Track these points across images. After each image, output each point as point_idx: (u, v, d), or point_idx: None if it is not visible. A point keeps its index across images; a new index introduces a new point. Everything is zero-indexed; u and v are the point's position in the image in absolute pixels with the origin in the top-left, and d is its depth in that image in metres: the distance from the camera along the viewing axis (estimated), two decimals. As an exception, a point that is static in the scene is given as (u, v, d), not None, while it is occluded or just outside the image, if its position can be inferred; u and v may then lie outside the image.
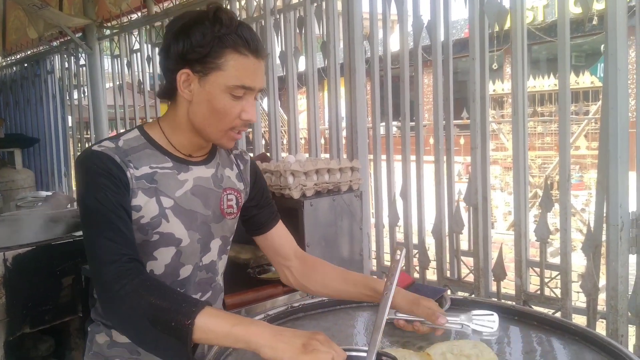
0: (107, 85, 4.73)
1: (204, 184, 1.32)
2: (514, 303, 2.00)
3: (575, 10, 7.14)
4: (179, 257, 1.29)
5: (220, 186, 1.36)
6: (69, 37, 4.60)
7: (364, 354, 1.08)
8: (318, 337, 1.01)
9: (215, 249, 1.38)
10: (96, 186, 1.15)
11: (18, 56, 5.91)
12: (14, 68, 6.04)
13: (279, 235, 1.49)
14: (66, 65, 5.02)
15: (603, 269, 1.88)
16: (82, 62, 4.76)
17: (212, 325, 1.02)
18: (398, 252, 1.22)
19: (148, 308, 1.04)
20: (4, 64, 6.30)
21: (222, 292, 1.49)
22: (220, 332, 1.02)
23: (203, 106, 1.21)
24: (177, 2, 3.68)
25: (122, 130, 1.34)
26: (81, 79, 4.86)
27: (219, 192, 1.35)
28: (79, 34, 4.58)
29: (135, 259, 1.13)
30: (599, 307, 1.87)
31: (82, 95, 4.90)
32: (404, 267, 2.49)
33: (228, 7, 3.24)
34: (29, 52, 5.65)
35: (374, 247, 2.69)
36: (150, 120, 1.44)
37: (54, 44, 5.11)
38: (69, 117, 5.27)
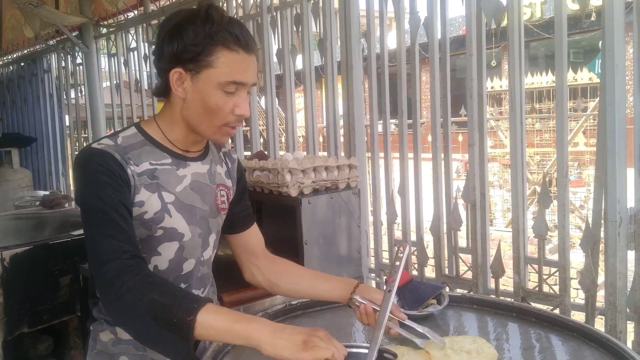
0: (104, 84, 4.71)
1: (201, 179, 1.34)
2: (512, 300, 2.01)
3: (572, 6, 7.16)
4: (182, 251, 1.31)
5: (214, 182, 1.38)
6: (65, 36, 4.58)
7: (365, 351, 1.08)
8: (318, 333, 1.02)
9: (212, 243, 1.40)
10: (97, 184, 1.16)
11: (15, 55, 5.89)
12: (11, 67, 6.03)
13: (253, 235, 1.52)
14: (63, 64, 5.01)
15: (602, 265, 1.88)
16: (78, 60, 4.74)
17: (213, 321, 1.04)
18: (400, 249, 1.22)
19: (150, 304, 1.05)
20: (1, 63, 6.28)
21: (214, 286, 1.51)
22: (221, 328, 1.03)
23: (196, 103, 1.22)
24: (174, 0, 3.66)
25: (119, 129, 1.35)
26: (78, 77, 4.85)
27: (213, 188, 1.37)
28: (76, 33, 4.56)
29: (136, 256, 1.14)
30: (598, 304, 1.87)
31: (80, 94, 4.89)
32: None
33: (225, 5, 3.23)
34: (25, 51, 5.63)
35: (372, 244, 2.69)
36: (147, 118, 1.45)
37: (51, 42, 5.09)
38: (66, 116, 5.25)
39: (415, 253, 2.45)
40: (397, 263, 1.18)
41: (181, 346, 1.04)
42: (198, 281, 1.38)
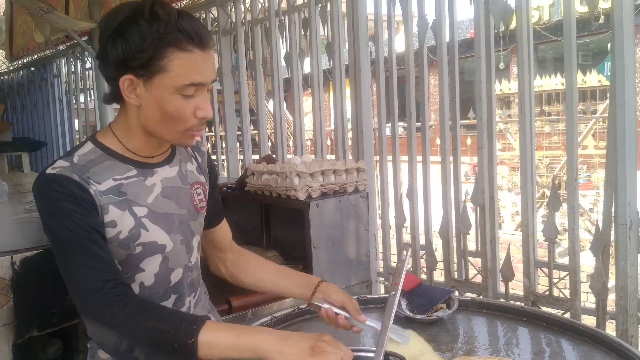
0: (113, 89, 4.74)
1: (172, 183, 1.27)
2: (522, 304, 1.99)
3: (581, 9, 7.12)
4: (167, 263, 1.25)
5: (187, 182, 1.31)
6: (75, 41, 4.61)
7: (372, 355, 1.08)
8: (325, 338, 1.01)
9: (196, 246, 1.35)
10: (61, 213, 1.07)
11: (25, 60, 5.95)
12: (21, 72, 6.08)
13: (223, 230, 1.48)
14: (72, 68, 5.05)
15: (612, 269, 1.86)
16: (88, 65, 4.78)
17: (216, 339, 1.01)
18: (404, 252, 1.22)
19: (147, 333, 1.02)
20: (12, 68, 6.34)
21: (204, 286, 1.47)
22: (226, 344, 1.01)
23: (153, 110, 1.13)
24: (182, 5, 3.68)
25: (74, 146, 1.29)
26: (88, 82, 4.88)
27: (187, 189, 1.31)
28: (85, 38, 4.59)
29: (120, 283, 1.08)
30: (609, 308, 1.86)
31: (89, 99, 4.92)
32: (411, 268, 2.48)
33: (233, 9, 3.25)
34: (35, 56, 5.68)
35: (380, 248, 2.69)
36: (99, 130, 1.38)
37: (61, 47, 5.14)
38: (76, 121, 5.29)
39: (424, 257, 2.45)
40: (399, 266, 1.18)
41: None
42: (189, 287, 1.33)
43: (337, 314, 1.27)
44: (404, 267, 1.17)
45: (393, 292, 1.14)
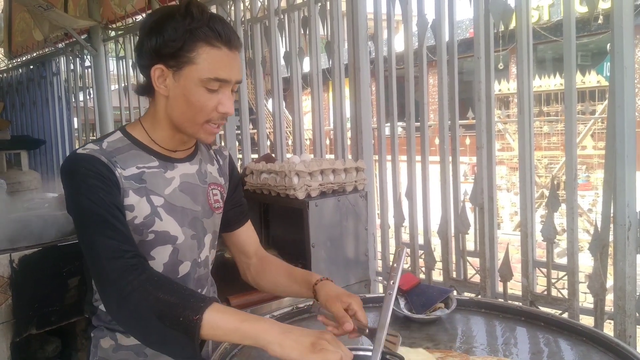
0: (113, 87, 4.74)
1: (190, 180, 1.33)
2: (520, 304, 2.00)
3: (581, 9, 7.12)
4: (177, 254, 1.30)
5: (205, 182, 1.37)
6: (74, 39, 4.61)
7: (370, 354, 1.08)
8: (326, 336, 1.01)
9: (207, 244, 1.38)
10: (88, 188, 1.14)
11: (24, 58, 5.95)
12: (20, 70, 6.07)
13: (247, 234, 1.50)
14: (72, 67, 5.04)
15: (610, 269, 1.87)
16: (87, 63, 4.77)
17: (220, 321, 1.03)
18: (400, 251, 1.21)
19: (155, 303, 1.05)
20: (10, 65, 6.33)
21: (214, 285, 1.50)
22: (228, 328, 1.03)
23: (179, 100, 1.21)
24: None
25: (104, 134, 1.34)
26: (87, 80, 4.88)
27: (204, 188, 1.36)
28: (84, 36, 4.59)
29: (138, 255, 1.13)
30: (607, 308, 1.86)
31: (88, 97, 4.92)
32: (410, 268, 2.48)
33: (232, 8, 3.24)
34: (34, 54, 5.68)
35: (379, 247, 2.69)
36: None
37: (60, 45, 5.13)
38: (75, 119, 5.29)
39: (423, 256, 2.45)
40: (395, 265, 1.17)
41: (187, 346, 1.03)
42: (196, 282, 1.36)
43: (327, 317, 1.23)
44: (400, 265, 1.16)
45: (389, 292, 1.14)
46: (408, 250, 2.44)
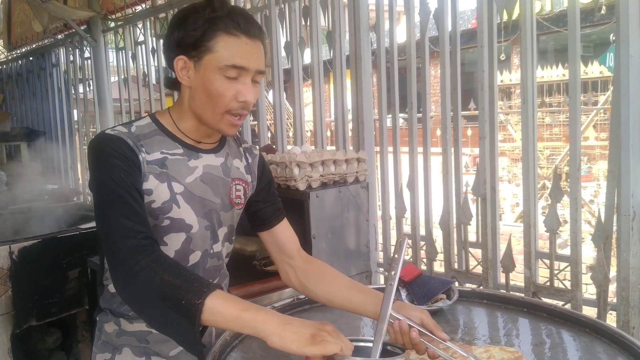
0: (112, 78, 4.72)
1: (214, 172, 1.33)
2: (523, 295, 1.99)
3: (584, 0, 7.07)
4: (189, 243, 1.30)
5: (229, 175, 1.37)
6: (73, 30, 4.59)
7: (371, 345, 1.08)
8: (326, 327, 1.00)
9: (222, 236, 1.38)
10: (110, 167, 1.17)
11: (23, 49, 5.91)
12: (20, 61, 6.05)
13: (284, 232, 1.48)
14: (71, 58, 5.01)
15: (614, 260, 1.85)
16: (87, 54, 4.74)
17: (221, 307, 1.03)
18: (401, 242, 1.20)
19: (160, 284, 1.05)
20: (10, 57, 6.31)
21: (227, 277, 1.49)
22: (229, 315, 1.02)
23: (200, 90, 1.22)
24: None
25: (133, 119, 1.35)
26: (86, 72, 4.85)
27: (227, 182, 1.36)
28: (84, 27, 4.57)
29: (150, 237, 1.14)
30: (610, 299, 1.85)
31: (88, 89, 4.90)
32: (411, 259, 2.48)
33: (233, -3, 3.22)
34: (34, 45, 5.65)
35: (380, 238, 2.68)
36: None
37: (59, 37, 5.10)
38: (75, 111, 5.27)
39: (425, 247, 2.44)
40: (396, 256, 1.16)
41: (188, 330, 1.03)
42: (206, 273, 1.36)
43: (410, 326, 1.18)
44: (401, 256, 1.16)
45: (390, 283, 1.13)
46: (409, 241, 2.43)
